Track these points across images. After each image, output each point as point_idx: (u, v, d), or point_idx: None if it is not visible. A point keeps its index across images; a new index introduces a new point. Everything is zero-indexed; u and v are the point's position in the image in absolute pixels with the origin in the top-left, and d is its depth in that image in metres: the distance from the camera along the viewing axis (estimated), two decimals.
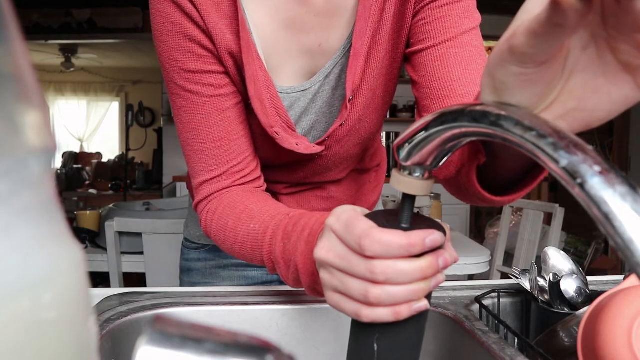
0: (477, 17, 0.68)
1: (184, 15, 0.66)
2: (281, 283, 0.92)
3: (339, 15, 0.70)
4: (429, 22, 0.66)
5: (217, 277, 0.93)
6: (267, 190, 0.84)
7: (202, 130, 0.70)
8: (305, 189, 0.87)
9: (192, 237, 0.96)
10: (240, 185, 0.72)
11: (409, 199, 0.44)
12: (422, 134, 0.38)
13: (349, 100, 0.71)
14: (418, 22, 0.67)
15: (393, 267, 0.42)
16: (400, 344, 0.46)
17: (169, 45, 0.68)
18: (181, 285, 0.97)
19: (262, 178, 0.77)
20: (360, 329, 0.47)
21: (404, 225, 0.44)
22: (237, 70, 0.70)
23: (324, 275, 0.48)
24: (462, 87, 0.64)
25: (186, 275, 0.96)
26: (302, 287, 0.59)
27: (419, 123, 0.38)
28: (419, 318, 0.46)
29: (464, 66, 0.64)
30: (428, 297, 0.46)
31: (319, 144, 0.76)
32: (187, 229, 0.98)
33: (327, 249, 0.47)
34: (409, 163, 0.41)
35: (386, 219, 0.45)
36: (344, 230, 0.45)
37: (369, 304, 0.44)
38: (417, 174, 0.42)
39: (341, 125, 0.74)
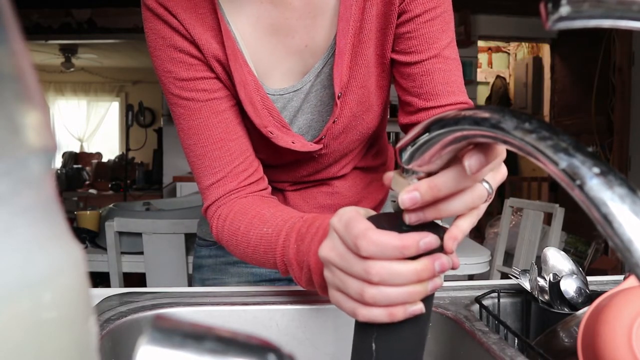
0: (452, 26, 0.74)
1: (171, 30, 0.71)
2: (289, 281, 0.92)
3: (321, 17, 0.73)
4: (415, 36, 0.71)
5: (226, 273, 0.94)
6: (273, 187, 0.86)
7: (202, 134, 0.73)
8: (310, 185, 0.88)
9: (204, 235, 0.97)
10: (245, 186, 0.74)
11: None
12: (425, 137, 0.38)
13: (338, 97, 0.73)
14: (404, 35, 0.72)
15: (387, 269, 0.43)
16: (399, 346, 0.46)
17: (162, 58, 0.72)
18: (192, 281, 0.98)
19: (266, 179, 0.78)
20: (360, 329, 0.47)
21: (404, 228, 0.44)
22: (226, 76, 0.73)
23: (327, 273, 0.50)
24: (444, 99, 0.73)
25: (197, 272, 0.98)
26: (315, 287, 0.59)
27: (421, 126, 0.39)
28: (418, 320, 0.46)
29: (445, 80, 0.72)
30: (429, 301, 0.46)
31: (316, 142, 0.78)
32: (199, 227, 1.00)
33: (329, 248, 0.48)
34: (411, 166, 0.41)
35: (387, 221, 0.46)
36: (343, 230, 0.46)
37: (364, 303, 0.45)
38: (419, 177, 0.42)
39: (334, 122, 0.76)
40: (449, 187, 0.42)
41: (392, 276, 0.43)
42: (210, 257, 0.96)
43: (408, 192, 0.42)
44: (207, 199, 0.74)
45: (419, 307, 0.45)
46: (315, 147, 0.77)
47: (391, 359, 0.46)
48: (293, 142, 0.76)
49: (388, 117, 0.90)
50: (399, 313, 0.44)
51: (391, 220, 0.46)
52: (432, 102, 0.73)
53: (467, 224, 0.47)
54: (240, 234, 0.69)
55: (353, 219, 0.46)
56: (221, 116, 0.73)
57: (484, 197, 0.46)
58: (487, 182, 0.46)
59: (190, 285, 1.91)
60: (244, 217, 0.69)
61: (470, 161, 0.40)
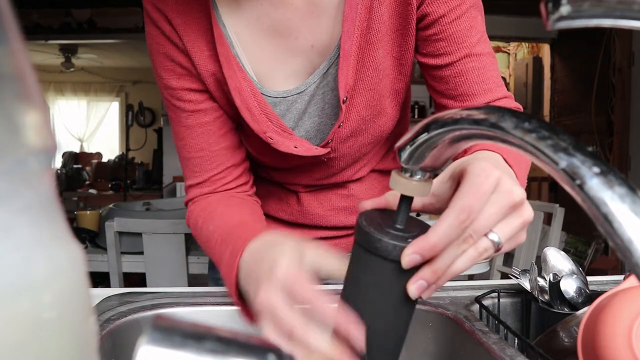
0: (481, 20, 0.70)
1: (164, 38, 0.71)
2: None
3: (326, 16, 0.70)
4: (442, 38, 0.68)
5: None
6: (286, 189, 0.87)
7: (187, 141, 0.76)
8: (325, 187, 0.86)
9: None
10: (222, 192, 0.77)
11: (406, 200, 0.44)
12: (424, 136, 0.38)
13: (344, 102, 0.71)
14: (430, 37, 0.69)
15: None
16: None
17: (156, 64, 0.74)
18: (207, 281, 0.99)
19: (250, 183, 0.81)
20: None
21: (398, 226, 0.44)
22: (222, 83, 0.73)
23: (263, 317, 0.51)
24: (482, 98, 0.70)
25: (212, 271, 0.97)
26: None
27: (420, 125, 0.39)
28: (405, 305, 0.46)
29: (481, 79, 0.69)
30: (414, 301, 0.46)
31: (323, 145, 0.76)
32: None
33: (268, 300, 0.49)
34: (409, 165, 0.41)
35: (381, 218, 0.46)
36: (289, 290, 0.49)
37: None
38: (417, 176, 0.42)
39: (339, 126, 0.74)
40: (445, 242, 0.42)
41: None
42: None
43: (407, 256, 0.42)
44: (187, 196, 0.80)
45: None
46: (320, 151, 0.75)
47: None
48: (295, 147, 0.74)
49: (409, 118, 0.87)
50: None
51: (385, 219, 0.46)
52: (469, 103, 0.70)
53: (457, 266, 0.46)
54: (197, 229, 0.74)
55: (298, 284, 0.48)
56: (205, 127, 0.75)
57: (490, 249, 0.44)
58: (494, 232, 0.44)
59: (190, 285, 1.90)
60: (201, 214, 0.74)
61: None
